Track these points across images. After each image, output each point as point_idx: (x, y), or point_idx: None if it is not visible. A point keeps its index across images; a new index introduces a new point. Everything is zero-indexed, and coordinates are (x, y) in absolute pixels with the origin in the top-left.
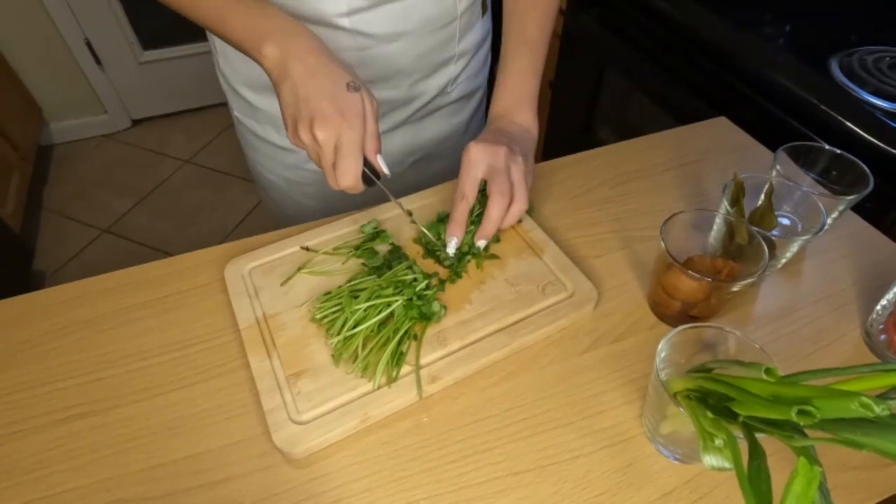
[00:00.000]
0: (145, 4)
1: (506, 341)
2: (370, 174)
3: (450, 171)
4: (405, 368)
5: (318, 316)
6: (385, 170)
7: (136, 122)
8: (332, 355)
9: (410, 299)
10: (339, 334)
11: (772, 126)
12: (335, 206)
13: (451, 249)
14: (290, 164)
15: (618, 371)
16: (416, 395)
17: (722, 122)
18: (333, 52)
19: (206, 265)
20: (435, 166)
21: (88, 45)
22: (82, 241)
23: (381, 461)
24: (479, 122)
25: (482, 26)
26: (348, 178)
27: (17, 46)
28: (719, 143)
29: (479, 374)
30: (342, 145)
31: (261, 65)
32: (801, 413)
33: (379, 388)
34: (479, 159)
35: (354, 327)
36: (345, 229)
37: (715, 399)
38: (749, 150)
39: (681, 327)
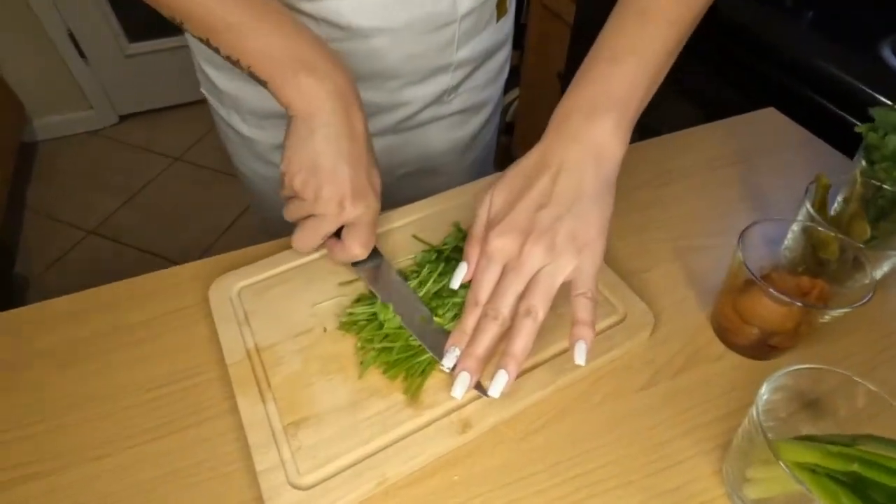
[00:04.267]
0: None
1: (549, 378)
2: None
3: (449, 187)
4: (430, 413)
5: (346, 319)
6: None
7: (122, 118)
8: (361, 362)
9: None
10: (369, 339)
11: (818, 118)
12: None
13: (447, 363)
14: (259, 153)
15: (684, 412)
16: (446, 446)
17: (771, 113)
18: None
19: (186, 284)
20: (432, 182)
21: (71, 36)
22: (67, 242)
23: None
24: (487, 140)
25: (495, 33)
26: (366, 247)
27: None
28: (771, 137)
29: (518, 419)
30: (366, 220)
31: (278, 91)
32: None
33: (406, 394)
34: (497, 249)
35: (387, 337)
36: None
37: (885, 496)
38: (806, 145)
39: (789, 368)
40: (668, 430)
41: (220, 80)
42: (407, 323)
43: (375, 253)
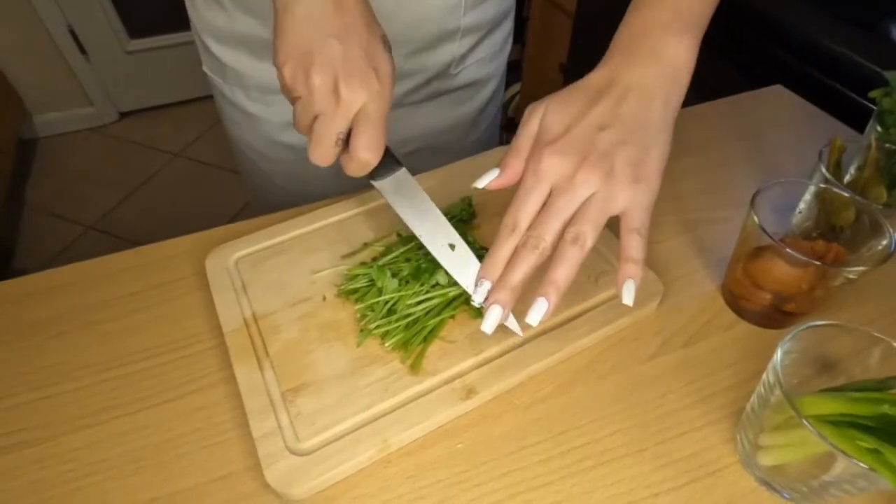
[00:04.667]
0: None
1: (555, 346)
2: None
3: None
4: (433, 380)
5: (345, 287)
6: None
7: (123, 115)
8: (360, 329)
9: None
10: (368, 308)
11: (825, 97)
12: (322, 191)
13: (478, 298)
14: (264, 133)
15: (694, 383)
16: (449, 413)
17: (779, 90)
18: None
19: (183, 255)
20: (436, 162)
21: (72, 32)
22: (66, 238)
23: (405, 502)
24: (490, 119)
25: (501, 1)
26: (375, 150)
27: None
28: (779, 113)
29: (523, 387)
30: (371, 113)
31: None
32: None
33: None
34: (549, 168)
35: (387, 304)
36: (352, 211)
37: None
38: (814, 120)
39: (806, 325)
40: (679, 400)
41: (223, 54)
42: (431, 247)
43: (394, 163)
